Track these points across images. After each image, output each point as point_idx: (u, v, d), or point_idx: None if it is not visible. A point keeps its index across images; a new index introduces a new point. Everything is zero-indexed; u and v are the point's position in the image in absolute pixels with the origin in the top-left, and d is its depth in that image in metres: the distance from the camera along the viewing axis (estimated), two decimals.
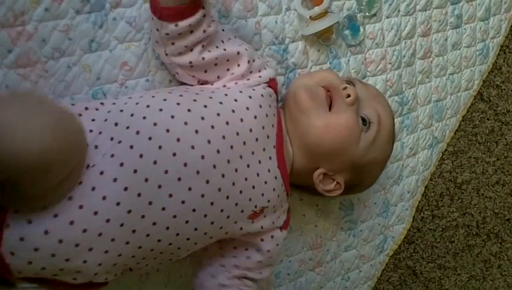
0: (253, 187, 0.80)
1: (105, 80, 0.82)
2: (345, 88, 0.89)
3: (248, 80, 0.85)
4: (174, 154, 0.72)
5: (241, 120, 0.79)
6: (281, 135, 0.86)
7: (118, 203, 0.68)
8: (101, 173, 0.68)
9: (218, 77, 0.84)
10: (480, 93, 1.36)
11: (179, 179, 0.72)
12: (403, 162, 1.23)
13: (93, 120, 0.72)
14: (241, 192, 0.78)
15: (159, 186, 0.71)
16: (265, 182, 0.82)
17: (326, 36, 1.00)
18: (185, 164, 0.72)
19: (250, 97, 0.82)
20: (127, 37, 0.83)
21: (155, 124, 0.73)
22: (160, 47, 0.81)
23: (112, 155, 0.69)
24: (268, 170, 0.82)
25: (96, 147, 0.70)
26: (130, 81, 0.84)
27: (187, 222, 0.74)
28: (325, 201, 1.11)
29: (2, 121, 0.55)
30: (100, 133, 0.71)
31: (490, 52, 1.34)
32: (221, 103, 0.79)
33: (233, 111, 0.79)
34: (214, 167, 0.75)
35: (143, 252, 0.73)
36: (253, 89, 0.84)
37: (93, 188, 0.68)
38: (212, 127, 0.76)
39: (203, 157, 0.74)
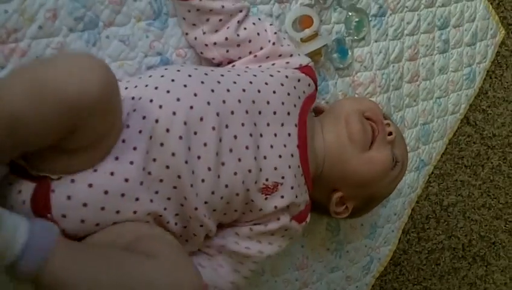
0: (265, 157, 0.81)
1: None
2: (388, 125, 0.93)
3: (273, 64, 0.88)
4: (192, 108, 0.74)
5: (259, 91, 0.82)
6: (305, 119, 0.86)
7: (148, 153, 0.71)
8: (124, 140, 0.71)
9: (240, 58, 0.88)
10: (466, 117, 1.38)
11: (195, 132, 0.74)
12: None
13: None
14: (255, 158, 0.79)
15: (180, 137, 0.73)
16: (280, 156, 0.82)
17: (315, 59, 1.01)
18: (201, 118, 0.74)
19: (271, 76, 0.85)
20: (121, 55, 0.84)
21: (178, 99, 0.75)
22: (196, 28, 0.85)
23: (127, 126, 0.72)
24: (284, 145, 0.83)
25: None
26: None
27: (203, 181, 0.75)
28: (312, 222, 1.11)
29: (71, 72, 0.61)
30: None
31: (477, 76, 1.36)
32: (238, 75, 0.83)
33: (250, 82, 0.82)
34: (227, 126, 0.76)
35: (174, 204, 0.75)
36: (278, 71, 0.87)
37: (124, 140, 0.71)
38: (228, 90, 0.79)
39: (218, 114, 0.76)
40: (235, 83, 0.80)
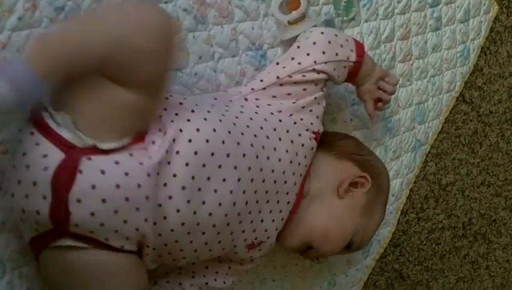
0: (262, 221, 0.84)
1: None
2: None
3: (302, 119, 0.88)
4: (207, 141, 0.75)
5: (272, 171, 0.82)
6: (302, 191, 0.89)
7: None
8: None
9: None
10: (462, 95, 1.37)
11: (199, 189, 0.74)
12: (386, 165, 1.23)
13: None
14: (251, 222, 0.82)
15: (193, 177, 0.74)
16: (273, 220, 0.86)
17: None
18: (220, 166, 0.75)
19: (292, 142, 0.86)
20: None
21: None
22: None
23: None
24: (280, 211, 0.87)
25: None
26: None
27: (203, 233, 0.77)
28: None
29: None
30: None
31: (471, 53, 1.34)
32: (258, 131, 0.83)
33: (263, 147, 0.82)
34: (244, 192, 0.78)
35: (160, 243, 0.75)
36: (299, 134, 0.87)
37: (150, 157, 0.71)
38: (252, 180, 0.79)
39: (239, 180, 0.77)
40: (257, 157, 0.80)
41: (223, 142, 0.76)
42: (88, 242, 0.69)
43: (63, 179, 0.66)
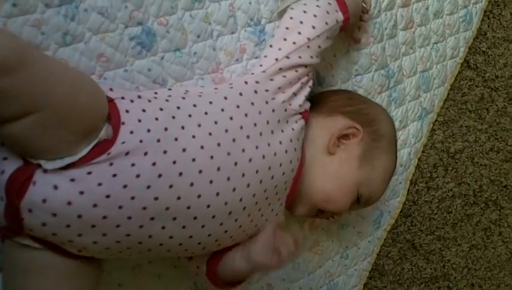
0: (262, 215, 0.84)
1: None
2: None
3: (290, 104, 0.86)
4: (193, 160, 0.74)
5: (269, 168, 0.82)
6: (301, 168, 0.89)
7: (144, 208, 0.71)
8: (133, 164, 0.69)
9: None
10: (466, 61, 1.35)
11: (191, 184, 0.74)
12: None
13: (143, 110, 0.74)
14: (251, 221, 0.83)
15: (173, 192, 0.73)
16: (272, 210, 0.86)
17: None
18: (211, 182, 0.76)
19: (282, 131, 0.85)
20: (101, 27, 0.81)
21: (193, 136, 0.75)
22: None
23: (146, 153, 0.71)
24: (279, 199, 0.87)
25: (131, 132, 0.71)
26: (108, 72, 0.83)
27: (209, 235, 0.78)
28: None
29: None
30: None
31: (474, 18, 1.33)
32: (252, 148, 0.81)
33: (263, 157, 0.81)
34: (254, 196, 0.80)
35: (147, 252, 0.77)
36: (287, 121, 0.86)
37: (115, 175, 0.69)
38: (243, 175, 0.78)
39: (248, 185, 0.79)
40: (250, 161, 0.79)
41: (212, 157, 0.75)
42: (44, 244, 0.70)
43: (16, 186, 0.65)
